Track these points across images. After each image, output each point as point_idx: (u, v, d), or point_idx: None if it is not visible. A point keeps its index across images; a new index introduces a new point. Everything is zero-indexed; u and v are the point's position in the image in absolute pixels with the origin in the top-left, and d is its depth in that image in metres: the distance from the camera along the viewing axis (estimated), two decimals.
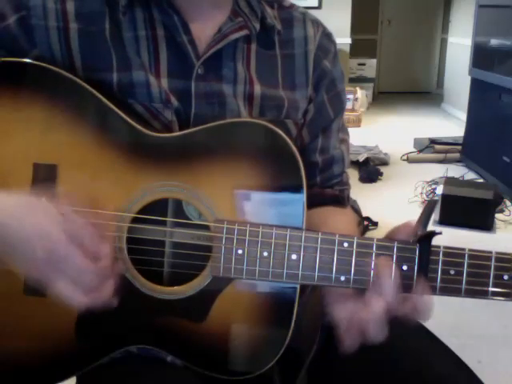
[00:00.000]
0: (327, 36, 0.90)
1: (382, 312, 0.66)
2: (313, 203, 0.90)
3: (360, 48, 7.06)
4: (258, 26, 0.82)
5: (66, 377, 0.78)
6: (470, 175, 4.22)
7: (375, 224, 3.20)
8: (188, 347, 0.75)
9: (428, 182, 3.78)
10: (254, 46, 0.83)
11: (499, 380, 1.96)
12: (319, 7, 5.65)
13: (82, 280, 0.67)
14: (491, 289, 0.67)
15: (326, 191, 0.94)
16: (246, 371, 0.75)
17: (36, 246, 0.65)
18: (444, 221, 3.18)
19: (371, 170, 4.15)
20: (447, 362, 0.79)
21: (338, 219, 0.89)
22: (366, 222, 3.16)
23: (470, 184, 3.44)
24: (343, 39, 5.72)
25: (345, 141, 0.96)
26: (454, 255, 0.67)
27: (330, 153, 0.93)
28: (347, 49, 5.97)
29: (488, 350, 2.16)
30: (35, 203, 0.68)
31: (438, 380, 0.76)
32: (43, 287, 0.69)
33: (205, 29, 0.81)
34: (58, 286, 0.67)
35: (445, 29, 7.85)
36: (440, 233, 0.64)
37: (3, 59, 0.75)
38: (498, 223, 3.32)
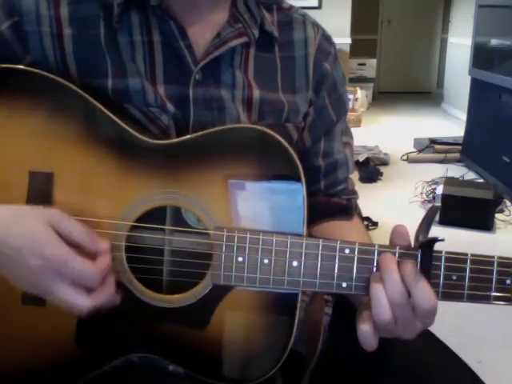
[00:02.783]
0: (327, 38, 0.89)
1: (385, 302, 0.65)
2: (320, 214, 0.88)
3: (360, 48, 7.05)
4: (257, 32, 0.81)
5: None
6: (470, 175, 4.22)
7: (375, 224, 3.19)
8: (189, 355, 0.75)
9: (428, 182, 3.78)
10: (252, 52, 0.82)
11: (499, 380, 1.96)
12: (319, 7, 5.65)
13: (83, 281, 0.66)
14: (493, 293, 0.66)
15: (333, 200, 0.92)
16: (248, 379, 0.74)
17: (29, 254, 0.64)
18: (444, 221, 3.17)
19: (371, 169, 4.15)
20: (448, 362, 0.79)
21: (350, 236, 0.87)
22: (365, 222, 3.16)
23: (470, 184, 3.44)
24: (343, 39, 5.71)
25: (348, 144, 0.94)
26: (456, 260, 0.66)
27: (333, 157, 0.91)
28: (347, 49, 5.96)
29: (488, 350, 2.16)
30: (22, 212, 0.68)
31: (439, 380, 0.76)
32: (42, 296, 0.68)
33: (203, 33, 0.79)
34: (58, 293, 0.66)
35: (445, 29, 7.85)
36: (443, 239, 0.63)
37: None
38: (498, 223, 3.32)
